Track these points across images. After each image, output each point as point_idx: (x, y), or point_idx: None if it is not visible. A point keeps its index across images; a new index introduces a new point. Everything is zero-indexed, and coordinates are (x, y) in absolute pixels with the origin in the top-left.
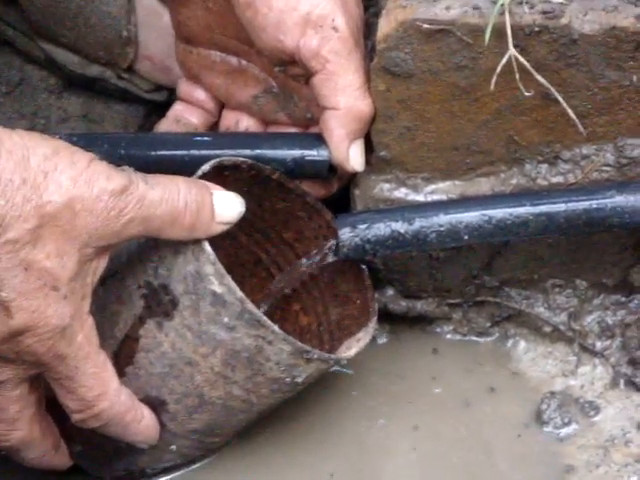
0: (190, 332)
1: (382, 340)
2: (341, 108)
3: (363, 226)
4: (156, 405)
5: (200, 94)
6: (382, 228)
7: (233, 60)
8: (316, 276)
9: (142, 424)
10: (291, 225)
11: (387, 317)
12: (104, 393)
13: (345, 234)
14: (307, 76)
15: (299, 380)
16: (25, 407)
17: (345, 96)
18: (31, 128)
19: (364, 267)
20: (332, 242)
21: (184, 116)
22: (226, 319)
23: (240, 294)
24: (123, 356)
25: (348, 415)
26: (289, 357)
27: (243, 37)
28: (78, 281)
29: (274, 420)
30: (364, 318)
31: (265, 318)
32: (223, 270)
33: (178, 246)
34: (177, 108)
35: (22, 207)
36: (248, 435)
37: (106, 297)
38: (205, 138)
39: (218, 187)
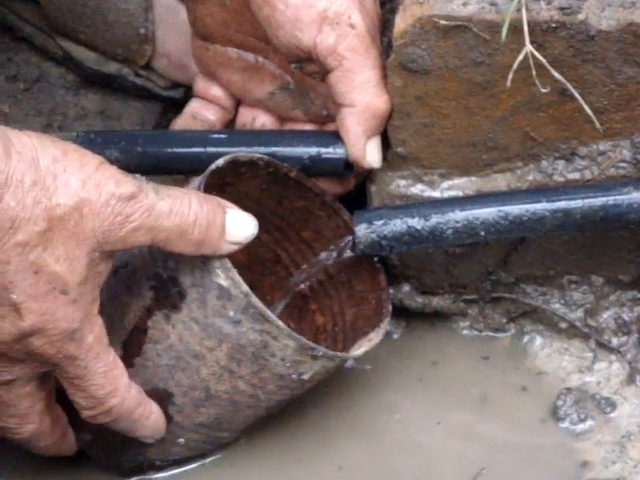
0: (197, 325)
1: (398, 336)
2: (358, 105)
3: (379, 222)
4: (163, 397)
5: (217, 91)
6: (398, 224)
7: (250, 57)
8: (333, 276)
9: (151, 419)
10: (310, 224)
11: (403, 313)
12: (114, 390)
13: (361, 230)
14: (323, 73)
15: (305, 377)
16: (35, 402)
17: (362, 93)
18: (48, 125)
19: (381, 267)
20: (349, 238)
21: (201, 113)
22: (231, 313)
23: (245, 288)
24: (132, 347)
25: (363, 410)
26: (294, 353)
27: (259, 34)
28: (87, 285)
29: (284, 413)
30: (377, 318)
31: (270, 313)
32: (229, 264)
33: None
34: (194, 105)
35: (32, 209)
36: (256, 428)
37: (117, 288)
38: (221, 136)
39: (233, 206)
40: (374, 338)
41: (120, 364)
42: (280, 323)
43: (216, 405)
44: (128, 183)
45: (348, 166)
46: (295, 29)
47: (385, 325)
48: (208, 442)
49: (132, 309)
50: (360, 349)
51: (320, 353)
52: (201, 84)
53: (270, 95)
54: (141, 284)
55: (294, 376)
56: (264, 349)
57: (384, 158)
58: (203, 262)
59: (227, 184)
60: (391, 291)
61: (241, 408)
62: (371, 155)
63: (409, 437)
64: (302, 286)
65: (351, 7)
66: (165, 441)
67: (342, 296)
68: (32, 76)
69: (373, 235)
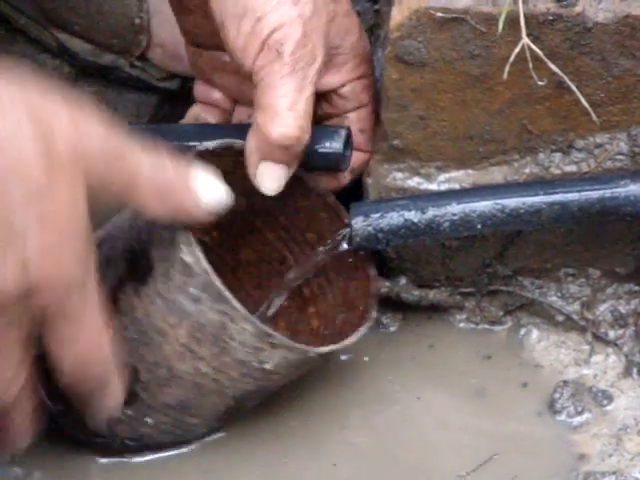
0: (160, 299)
1: (394, 329)
2: (256, 124)
3: (376, 215)
4: (129, 371)
5: (215, 94)
6: (395, 217)
7: None
8: (332, 281)
9: (112, 387)
10: (313, 226)
11: (400, 306)
12: (101, 346)
13: (358, 223)
14: None
15: (268, 367)
16: (22, 369)
17: (263, 113)
18: None
19: (375, 275)
20: (345, 231)
21: (202, 116)
22: (192, 289)
23: (205, 265)
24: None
25: (358, 402)
26: (253, 338)
27: None
28: (87, 233)
29: (275, 407)
30: (360, 324)
31: (228, 293)
32: (193, 239)
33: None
34: (195, 109)
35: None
36: (247, 423)
37: (99, 259)
38: (218, 129)
39: (203, 168)
40: (349, 339)
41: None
42: (238, 305)
43: (180, 386)
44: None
45: (345, 162)
46: (242, 57)
47: (364, 329)
48: (178, 427)
49: (108, 280)
50: (327, 347)
51: (277, 341)
52: (200, 89)
53: None
54: (118, 256)
55: (255, 364)
56: (223, 330)
57: (380, 150)
58: (170, 236)
59: (227, 173)
60: (387, 284)
61: (205, 392)
62: (260, 178)
63: (405, 430)
64: (304, 289)
65: (289, 36)
66: (132, 419)
67: (338, 301)
68: (27, 69)
69: (370, 228)
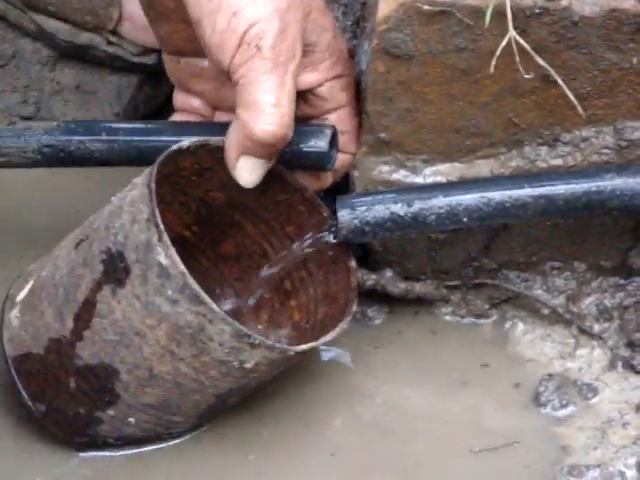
0: (138, 302)
1: (380, 321)
2: (239, 119)
3: (362, 208)
4: (109, 373)
5: (194, 102)
6: (381, 210)
7: None
8: (313, 274)
9: None
10: (293, 219)
11: (385, 299)
12: None
13: (344, 216)
14: None
15: (248, 366)
16: None
17: (246, 110)
18: (24, 101)
19: (355, 268)
20: (331, 223)
21: None
22: (170, 292)
23: (182, 267)
24: (82, 320)
25: (342, 396)
26: (231, 339)
27: None
28: None
29: (258, 401)
30: (342, 318)
31: (205, 295)
32: (169, 242)
33: (136, 214)
34: (175, 118)
35: None
36: (230, 418)
37: (76, 261)
38: (204, 126)
39: None
40: (328, 336)
41: None
42: (214, 306)
43: (160, 386)
44: None
45: (329, 161)
46: (219, 53)
47: (343, 325)
48: (160, 425)
49: (85, 282)
50: (306, 344)
51: (257, 341)
52: (179, 98)
53: None
54: (95, 257)
55: (235, 364)
56: (201, 332)
57: (366, 143)
58: (147, 238)
59: (205, 169)
60: (373, 277)
61: (186, 392)
62: (239, 172)
63: (390, 422)
64: (285, 282)
65: (267, 31)
66: (115, 419)
67: (318, 294)
68: (7, 53)
69: (356, 221)
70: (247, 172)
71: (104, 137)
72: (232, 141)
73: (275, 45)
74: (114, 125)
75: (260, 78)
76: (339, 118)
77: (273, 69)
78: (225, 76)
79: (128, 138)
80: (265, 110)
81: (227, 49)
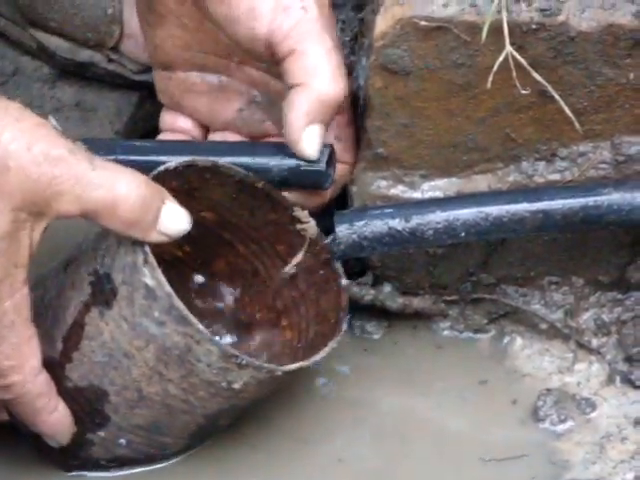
0: (126, 323)
1: (379, 336)
2: (307, 86)
3: (360, 223)
4: (99, 395)
5: (184, 122)
6: (379, 225)
7: (213, 78)
8: (304, 293)
9: (53, 416)
10: (283, 238)
11: (384, 314)
12: (20, 366)
13: (342, 231)
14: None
15: (236, 386)
16: None
17: (313, 76)
18: None
19: (345, 286)
20: (330, 238)
21: None
22: (156, 313)
23: (168, 289)
24: (71, 342)
25: (341, 411)
26: (219, 360)
27: (220, 50)
28: (10, 244)
29: (265, 420)
30: (333, 338)
31: (192, 317)
32: (155, 263)
33: (122, 237)
34: (163, 138)
35: None
36: (237, 437)
37: (64, 282)
38: (201, 145)
39: (173, 200)
40: (317, 356)
41: (35, 346)
42: (201, 327)
43: (150, 407)
44: (62, 145)
45: (327, 180)
46: (250, 20)
47: (333, 344)
48: (151, 446)
49: (73, 304)
50: (294, 364)
51: (244, 362)
52: (167, 118)
53: (239, 113)
54: (83, 279)
55: (224, 384)
56: (189, 352)
57: (364, 158)
58: (133, 260)
59: (194, 189)
60: (372, 292)
61: (176, 412)
62: (307, 142)
63: (389, 438)
64: (277, 302)
65: None
66: (106, 440)
67: (310, 313)
68: (8, 70)
69: (354, 236)
70: (314, 142)
71: (100, 155)
72: (300, 112)
73: (316, 2)
74: (111, 143)
75: (317, 41)
76: (336, 124)
77: (326, 29)
78: (256, 54)
79: (125, 156)
80: (332, 71)
81: (260, 13)
